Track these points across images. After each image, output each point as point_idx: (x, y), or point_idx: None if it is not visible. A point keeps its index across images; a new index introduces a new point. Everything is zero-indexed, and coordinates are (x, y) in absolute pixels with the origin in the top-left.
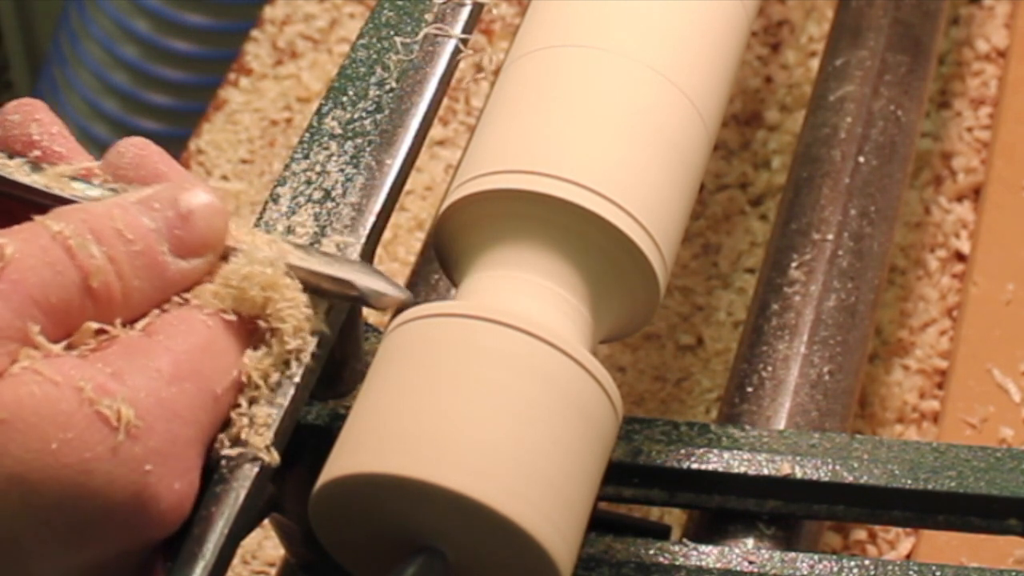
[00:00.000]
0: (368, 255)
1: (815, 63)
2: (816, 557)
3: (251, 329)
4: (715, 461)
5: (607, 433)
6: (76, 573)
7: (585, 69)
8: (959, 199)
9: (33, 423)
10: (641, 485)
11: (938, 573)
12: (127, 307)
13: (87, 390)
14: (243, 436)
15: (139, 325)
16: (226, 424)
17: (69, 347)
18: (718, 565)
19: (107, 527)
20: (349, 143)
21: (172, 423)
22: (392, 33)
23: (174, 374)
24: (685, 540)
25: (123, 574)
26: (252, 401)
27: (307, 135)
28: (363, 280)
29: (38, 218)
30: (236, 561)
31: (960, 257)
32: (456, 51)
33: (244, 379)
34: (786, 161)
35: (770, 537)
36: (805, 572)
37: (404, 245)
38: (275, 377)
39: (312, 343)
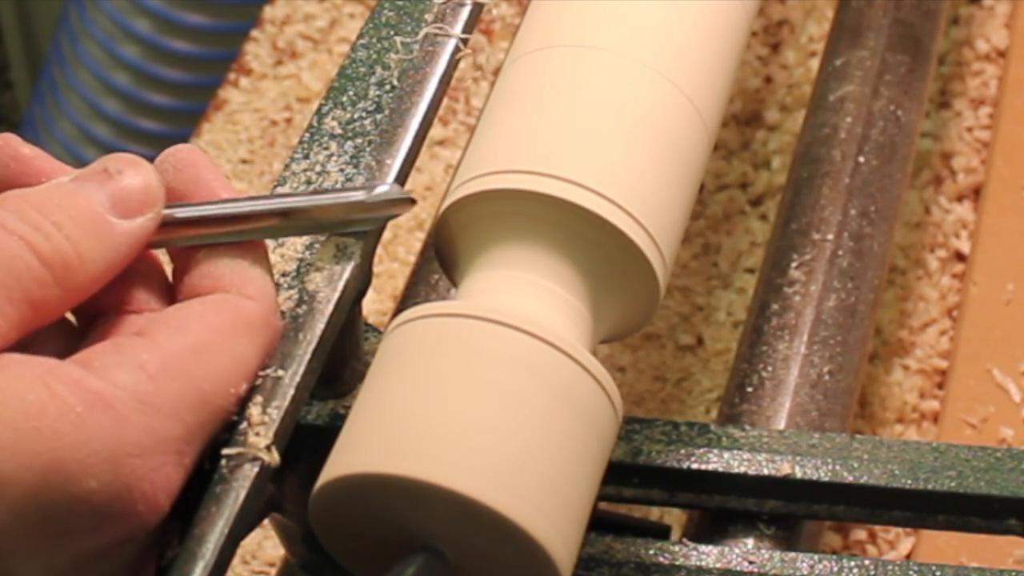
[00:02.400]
0: (368, 255)
1: (815, 63)
2: (816, 557)
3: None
4: (715, 461)
5: (607, 433)
6: (59, 572)
7: (585, 69)
8: (959, 199)
9: (3, 415)
10: (641, 485)
11: (938, 573)
12: (84, 271)
13: (59, 383)
14: (243, 436)
15: (135, 327)
16: (229, 428)
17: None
18: (718, 565)
19: (81, 517)
20: (349, 143)
21: (149, 416)
22: (392, 33)
23: (158, 370)
24: (685, 540)
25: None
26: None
27: (307, 135)
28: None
29: None
30: (236, 561)
31: (960, 257)
32: (456, 51)
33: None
34: (786, 161)
35: (770, 537)
36: (805, 572)
37: (404, 245)
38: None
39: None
